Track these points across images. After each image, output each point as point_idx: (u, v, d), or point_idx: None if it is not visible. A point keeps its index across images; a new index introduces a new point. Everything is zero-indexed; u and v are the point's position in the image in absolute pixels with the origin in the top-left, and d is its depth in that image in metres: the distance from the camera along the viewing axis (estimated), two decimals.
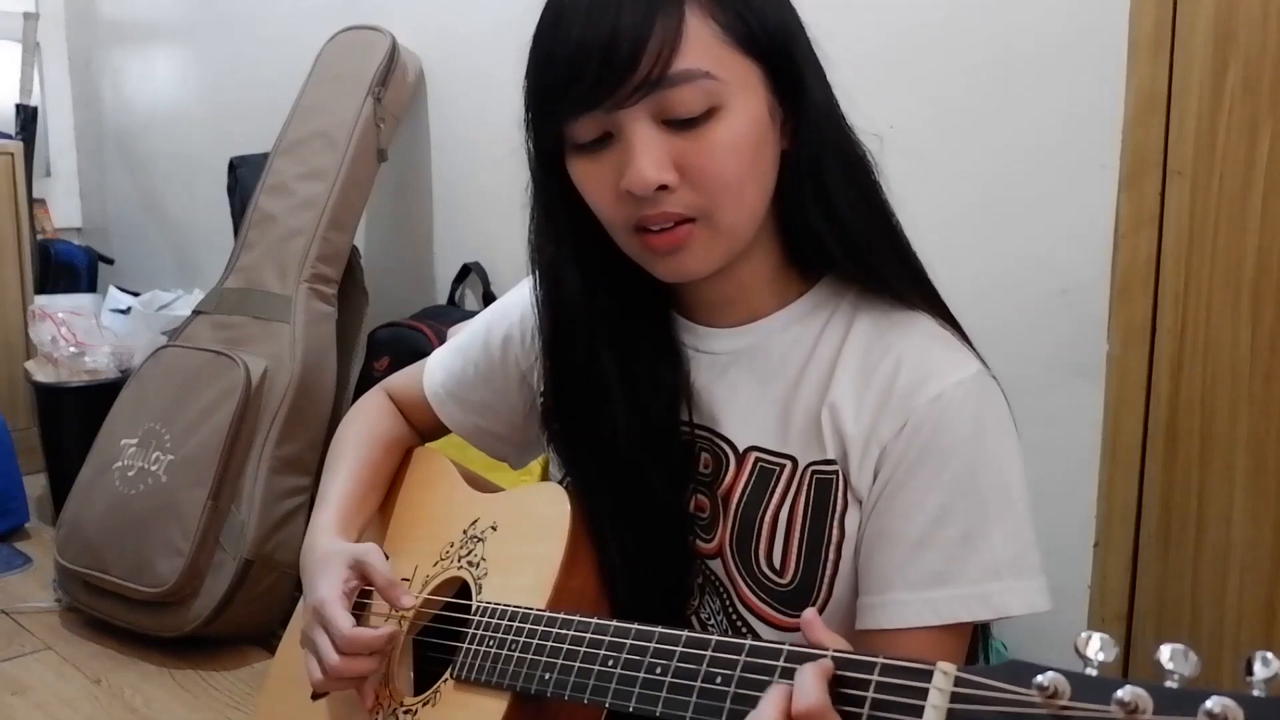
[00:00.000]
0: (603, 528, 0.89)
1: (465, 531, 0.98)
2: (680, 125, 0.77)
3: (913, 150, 1.59)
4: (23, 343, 2.90)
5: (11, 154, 3.07)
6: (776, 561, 0.86)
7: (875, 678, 0.63)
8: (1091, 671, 0.55)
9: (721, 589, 0.89)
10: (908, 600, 0.80)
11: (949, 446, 0.81)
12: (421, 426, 1.15)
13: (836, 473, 0.84)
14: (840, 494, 0.84)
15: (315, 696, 0.97)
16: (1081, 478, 1.51)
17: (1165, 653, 0.52)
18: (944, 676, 0.59)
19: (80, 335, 2.64)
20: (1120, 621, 1.50)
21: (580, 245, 0.87)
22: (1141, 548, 1.48)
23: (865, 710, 0.62)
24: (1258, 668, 0.50)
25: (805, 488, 0.85)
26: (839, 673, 0.64)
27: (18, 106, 3.35)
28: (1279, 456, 1.35)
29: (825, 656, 0.66)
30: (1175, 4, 1.37)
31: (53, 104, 3.60)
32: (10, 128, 3.31)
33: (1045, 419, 1.52)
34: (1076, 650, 0.56)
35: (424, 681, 0.94)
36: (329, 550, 0.99)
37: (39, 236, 3.27)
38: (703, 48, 0.76)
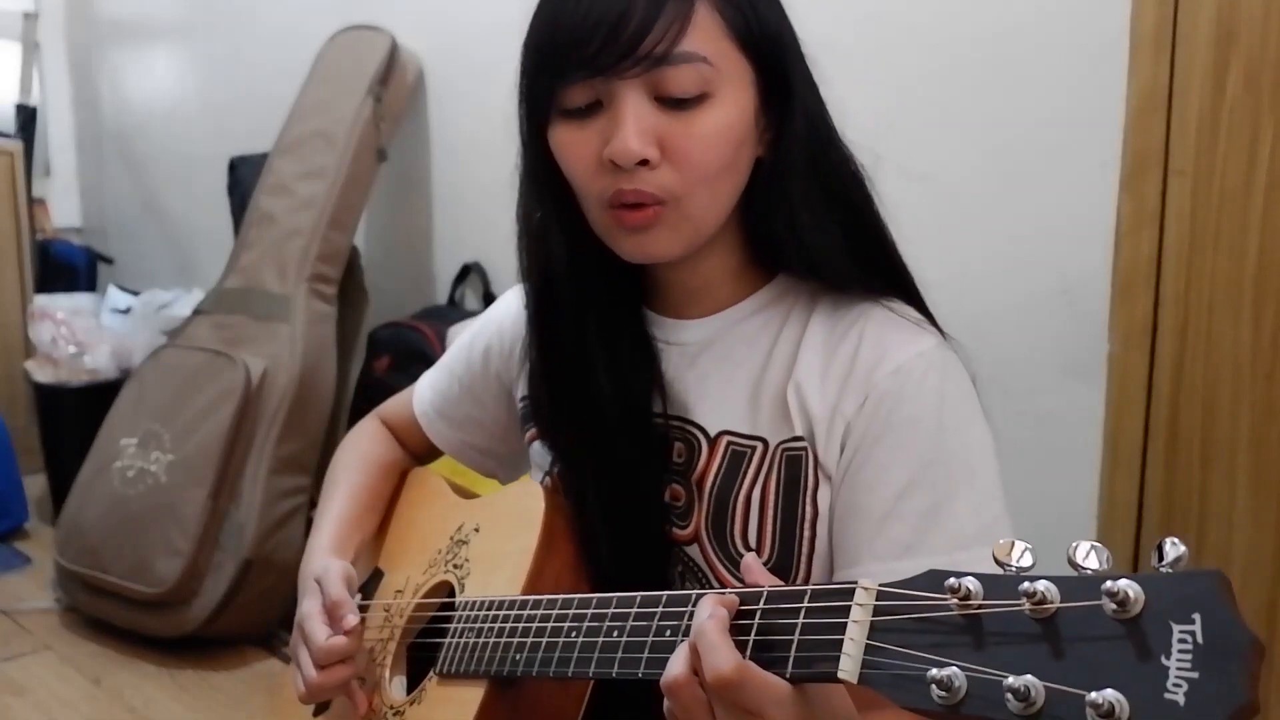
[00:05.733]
0: (590, 513, 0.89)
1: (451, 537, 0.99)
2: (671, 105, 0.79)
3: (913, 150, 1.60)
4: (22, 343, 2.90)
5: (11, 154, 3.08)
6: (752, 541, 0.86)
7: (805, 605, 0.64)
8: (1009, 570, 0.56)
9: (700, 574, 0.89)
10: (875, 572, 0.80)
11: (911, 418, 0.82)
12: (415, 449, 1.16)
13: (806, 449, 0.85)
14: (811, 470, 0.85)
15: (316, 712, 0.99)
16: (1082, 478, 1.50)
17: (1082, 550, 0.53)
18: (865, 593, 0.61)
19: (80, 335, 2.64)
20: None
21: (563, 217, 0.88)
22: (1142, 548, 1.47)
23: (796, 636, 0.63)
24: (1168, 548, 0.51)
25: (776, 467, 0.86)
26: (771, 606, 0.65)
27: (17, 106, 3.36)
28: None
29: (761, 592, 0.67)
30: (1176, 2, 1.37)
31: (52, 103, 3.60)
32: (10, 127, 3.31)
33: (1045, 419, 1.52)
34: (994, 557, 0.57)
35: (417, 685, 0.95)
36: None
37: (38, 236, 3.27)
38: (707, 35, 0.79)
